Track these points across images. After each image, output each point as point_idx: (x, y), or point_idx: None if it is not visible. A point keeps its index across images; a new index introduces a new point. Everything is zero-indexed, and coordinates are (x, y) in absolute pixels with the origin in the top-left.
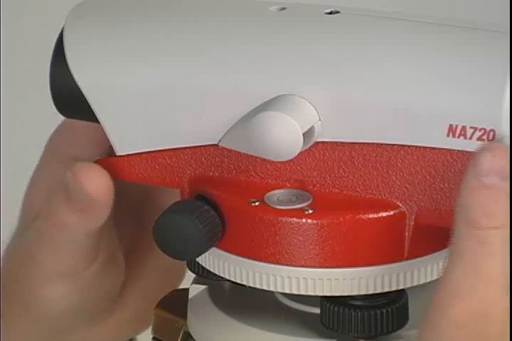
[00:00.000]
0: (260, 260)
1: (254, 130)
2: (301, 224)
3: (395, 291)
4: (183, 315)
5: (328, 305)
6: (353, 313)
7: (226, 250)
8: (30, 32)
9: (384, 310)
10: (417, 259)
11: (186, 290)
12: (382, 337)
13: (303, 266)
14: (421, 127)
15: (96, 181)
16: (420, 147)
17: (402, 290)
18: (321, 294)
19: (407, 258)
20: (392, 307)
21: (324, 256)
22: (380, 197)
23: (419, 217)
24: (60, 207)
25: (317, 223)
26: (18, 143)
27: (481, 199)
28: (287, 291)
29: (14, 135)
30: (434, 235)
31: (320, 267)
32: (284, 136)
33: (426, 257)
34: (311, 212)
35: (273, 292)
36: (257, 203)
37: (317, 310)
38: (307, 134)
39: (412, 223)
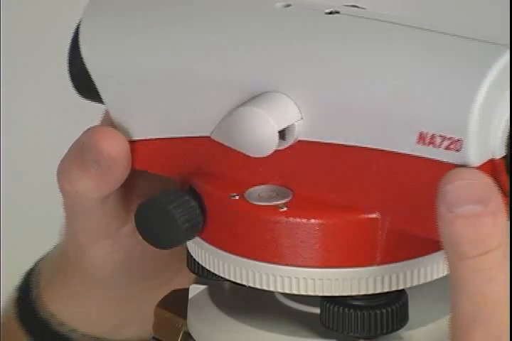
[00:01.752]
0: (237, 255)
1: (233, 124)
2: (271, 221)
3: (395, 291)
4: (183, 315)
5: (328, 305)
6: (353, 313)
7: (208, 241)
8: (29, 32)
9: (384, 310)
10: (417, 259)
11: (186, 290)
12: (382, 337)
13: (288, 265)
14: (394, 132)
15: (115, 142)
16: (393, 153)
17: (402, 290)
18: (321, 294)
19: (407, 259)
20: (392, 307)
21: (316, 256)
22: (357, 200)
23: (395, 223)
24: (74, 173)
25: (287, 221)
26: (18, 144)
27: (461, 230)
28: (287, 291)
29: (14, 135)
30: None
31: (313, 267)
32: (258, 131)
33: (426, 257)
34: (285, 209)
35: (273, 292)
36: (236, 197)
37: (317, 310)
38: (287, 132)
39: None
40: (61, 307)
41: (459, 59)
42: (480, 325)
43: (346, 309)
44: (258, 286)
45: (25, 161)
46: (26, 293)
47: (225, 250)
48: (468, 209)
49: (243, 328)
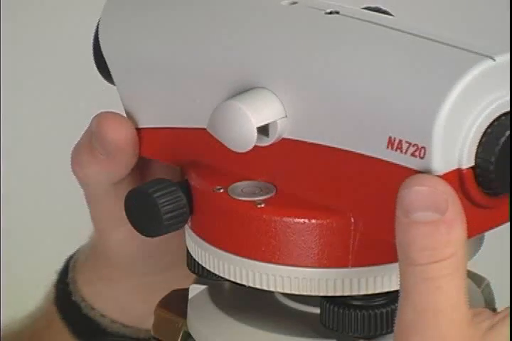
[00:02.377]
0: (221, 249)
1: (217, 118)
2: (247, 217)
3: (394, 291)
4: (183, 315)
5: (328, 305)
6: (353, 313)
7: (194, 233)
8: (29, 32)
9: (384, 310)
10: None
11: (186, 290)
12: (382, 337)
13: (282, 264)
14: (367, 135)
15: (121, 129)
16: (366, 156)
17: None
18: (321, 294)
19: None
20: (392, 307)
21: (297, 255)
22: (333, 201)
23: (368, 227)
24: (84, 158)
25: (262, 217)
26: (17, 144)
27: (413, 236)
28: (287, 291)
29: (14, 135)
30: None
31: (314, 267)
32: (237, 126)
33: None
34: (262, 206)
35: (273, 292)
36: (221, 190)
37: (317, 310)
38: (270, 129)
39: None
40: (92, 291)
41: (433, 67)
42: (417, 332)
43: (346, 309)
44: (258, 286)
45: (25, 161)
46: (63, 276)
47: (210, 243)
48: (424, 215)
49: (243, 328)
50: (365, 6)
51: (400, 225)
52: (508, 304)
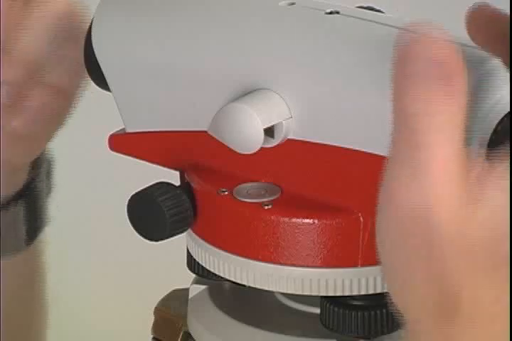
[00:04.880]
0: (227, 251)
1: (222, 120)
2: (254, 218)
3: None
4: (183, 315)
5: (328, 305)
6: (353, 313)
7: (198, 236)
8: None
9: (384, 310)
10: None
11: (186, 290)
12: (382, 337)
13: (283, 264)
14: (376, 135)
15: None
16: (375, 155)
17: None
18: (321, 294)
19: None
20: (392, 307)
21: (304, 255)
22: (341, 200)
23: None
24: None
25: (270, 219)
26: None
27: (407, 84)
28: (287, 291)
29: None
30: None
31: (317, 267)
32: (244, 128)
33: None
34: (270, 207)
35: (273, 292)
36: (226, 193)
37: (317, 310)
38: (275, 130)
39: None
40: None
41: None
42: (402, 188)
43: (346, 309)
44: (258, 286)
45: None
46: None
47: (214, 246)
48: (418, 67)
49: (243, 328)
50: (357, 5)
51: (397, 75)
52: None
